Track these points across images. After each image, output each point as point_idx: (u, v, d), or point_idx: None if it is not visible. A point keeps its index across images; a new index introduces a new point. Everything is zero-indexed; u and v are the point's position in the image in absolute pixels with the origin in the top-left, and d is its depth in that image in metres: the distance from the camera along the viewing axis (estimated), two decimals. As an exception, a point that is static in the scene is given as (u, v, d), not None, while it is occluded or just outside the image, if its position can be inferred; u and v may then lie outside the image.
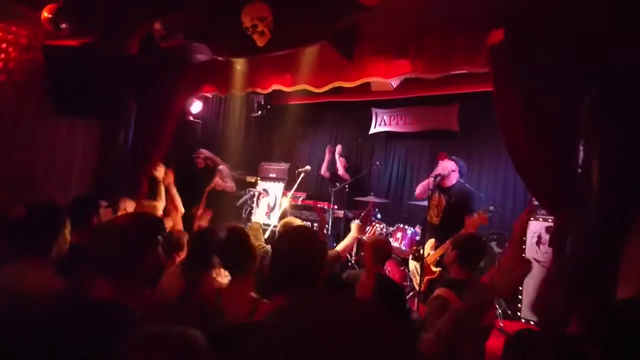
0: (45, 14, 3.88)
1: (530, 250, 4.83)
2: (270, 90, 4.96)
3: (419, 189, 4.56)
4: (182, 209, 3.99)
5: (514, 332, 1.67)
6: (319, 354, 0.54)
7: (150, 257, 1.48)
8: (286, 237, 1.74)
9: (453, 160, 4.28)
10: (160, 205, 3.93)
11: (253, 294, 2.00)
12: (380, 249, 2.86)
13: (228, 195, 5.97)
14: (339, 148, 7.08)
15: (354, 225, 3.36)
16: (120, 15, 4.12)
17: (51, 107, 4.25)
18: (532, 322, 4.63)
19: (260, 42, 3.59)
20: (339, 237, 5.80)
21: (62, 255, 2.12)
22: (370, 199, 6.09)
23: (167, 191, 4.04)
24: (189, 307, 2.05)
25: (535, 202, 4.90)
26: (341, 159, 7.01)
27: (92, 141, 4.83)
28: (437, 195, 4.25)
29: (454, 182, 4.27)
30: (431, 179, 4.20)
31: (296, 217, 6.35)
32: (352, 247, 3.54)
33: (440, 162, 4.30)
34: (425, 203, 4.45)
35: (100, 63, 4.22)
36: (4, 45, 4.01)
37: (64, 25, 3.92)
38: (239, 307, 1.91)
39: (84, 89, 4.18)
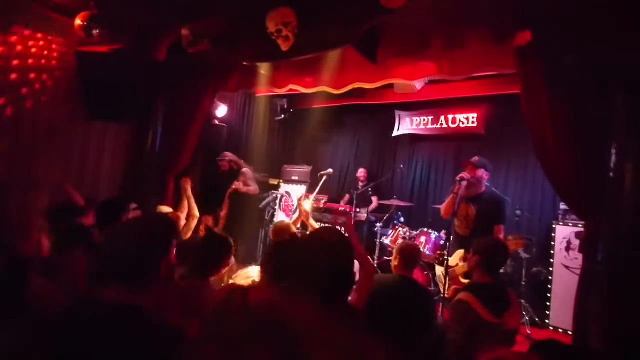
0: (77, 21, 4.03)
1: (559, 256, 4.70)
2: (286, 89, 5.00)
3: (443, 210, 4.21)
4: (197, 215, 4.04)
5: (537, 341, 1.63)
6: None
7: (165, 260, 1.44)
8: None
9: (483, 167, 4.09)
10: (183, 215, 4.01)
11: None
12: (409, 255, 2.85)
13: (251, 198, 6.03)
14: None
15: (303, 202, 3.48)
16: (149, 22, 4.24)
17: (83, 112, 4.40)
18: (560, 330, 4.50)
19: (284, 47, 3.62)
20: (361, 240, 5.79)
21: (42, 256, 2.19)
22: (394, 202, 6.05)
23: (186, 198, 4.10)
24: None
25: (564, 206, 4.79)
26: (361, 172, 7.02)
27: (121, 144, 4.97)
28: (464, 205, 4.03)
29: (483, 189, 4.08)
30: (455, 193, 3.92)
31: (318, 220, 6.42)
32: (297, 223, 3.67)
33: (470, 173, 4.01)
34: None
35: (129, 69, 4.34)
36: (39, 52, 4.18)
37: (95, 32, 4.06)
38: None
39: (114, 93, 4.30)
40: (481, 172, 4.03)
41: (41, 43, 4.17)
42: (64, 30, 4.24)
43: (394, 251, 2.97)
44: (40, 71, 4.13)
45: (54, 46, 4.24)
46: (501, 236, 3.73)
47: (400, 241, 5.43)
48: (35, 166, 4.11)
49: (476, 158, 4.13)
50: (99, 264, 1.62)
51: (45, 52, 4.18)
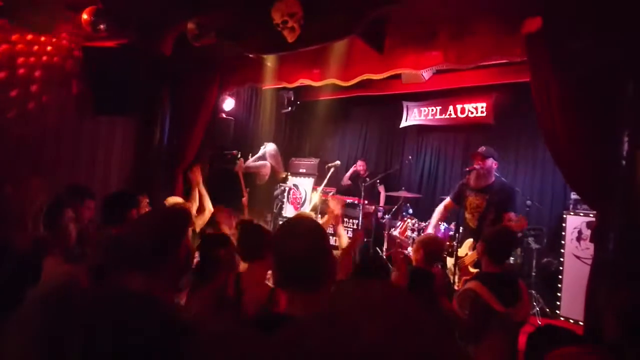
0: (84, 16, 4.04)
1: (570, 246, 4.66)
2: (296, 84, 4.96)
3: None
4: (210, 208, 4.03)
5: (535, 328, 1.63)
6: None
7: (179, 250, 1.47)
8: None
9: (491, 157, 4.03)
10: (194, 206, 4.01)
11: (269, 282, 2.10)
12: (432, 250, 2.82)
13: (261, 189, 6.07)
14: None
15: (332, 201, 3.22)
16: (155, 16, 4.23)
17: (91, 107, 4.42)
18: (571, 321, 4.47)
19: (290, 38, 3.60)
20: (369, 232, 5.78)
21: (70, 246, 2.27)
22: (402, 193, 6.03)
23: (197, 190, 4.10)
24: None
25: (575, 196, 4.73)
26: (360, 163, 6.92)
27: (129, 139, 4.99)
28: (473, 197, 3.98)
29: (493, 179, 4.01)
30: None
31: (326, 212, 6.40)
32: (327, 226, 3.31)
33: (479, 163, 3.98)
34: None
35: (136, 63, 4.35)
36: (46, 48, 4.19)
37: (102, 27, 4.07)
38: (257, 292, 2.02)
39: (121, 88, 4.32)
40: (490, 162, 3.97)
41: (49, 38, 4.19)
42: (72, 25, 4.24)
43: (416, 243, 2.94)
44: (41, 69, 4.14)
45: (60, 41, 4.25)
46: (511, 222, 3.65)
47: (408, 233, 5.42)
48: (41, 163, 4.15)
49: (483, 148, 4.08)
50: (120, 253, 1.66)
51: (51, 48, 4.19)
